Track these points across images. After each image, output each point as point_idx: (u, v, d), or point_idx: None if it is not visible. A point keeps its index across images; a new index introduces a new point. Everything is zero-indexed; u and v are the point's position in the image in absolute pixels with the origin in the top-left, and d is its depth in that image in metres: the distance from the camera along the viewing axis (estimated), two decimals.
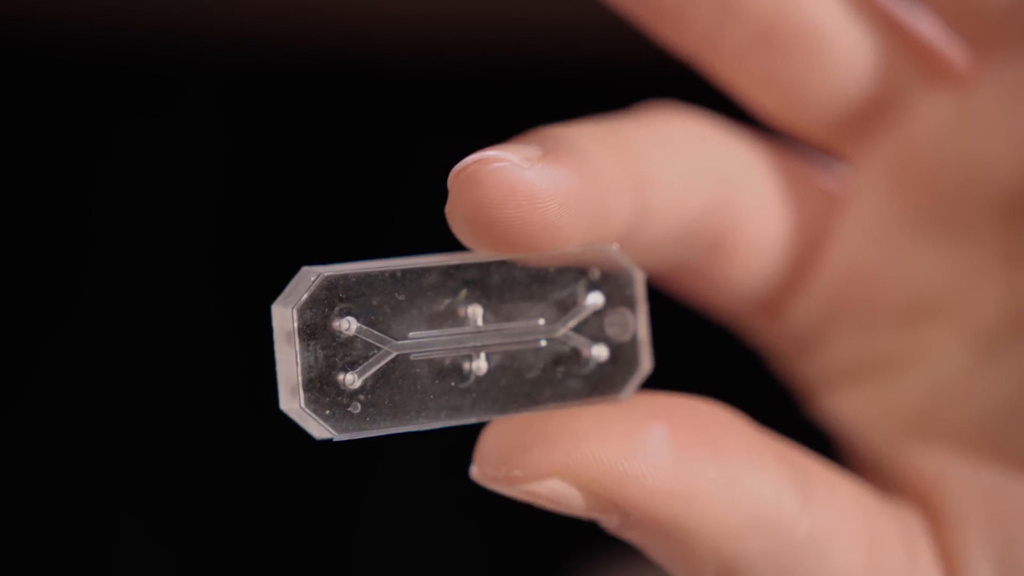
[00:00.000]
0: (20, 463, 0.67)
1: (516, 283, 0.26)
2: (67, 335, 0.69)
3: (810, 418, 0.33)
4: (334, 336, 0.25)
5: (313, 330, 0.25)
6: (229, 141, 0.71)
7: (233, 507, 0.69)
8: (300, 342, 0.25)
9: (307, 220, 0.69)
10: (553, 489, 0.25)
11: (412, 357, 0.25)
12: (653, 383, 0.27)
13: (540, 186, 0.25)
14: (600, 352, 0.27)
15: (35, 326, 0.68)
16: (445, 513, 0.68)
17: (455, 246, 0.26)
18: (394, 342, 0.25)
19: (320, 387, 0.25)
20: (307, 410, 0.25)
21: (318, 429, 0.25)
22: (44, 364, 0.68)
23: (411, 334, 0.25)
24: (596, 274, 0.27)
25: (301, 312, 0.25)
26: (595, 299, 0.26)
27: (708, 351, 0.51)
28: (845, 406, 0.32)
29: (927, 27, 0.30)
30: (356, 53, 0.71)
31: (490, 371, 0.26)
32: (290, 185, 0.71)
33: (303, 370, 0.25)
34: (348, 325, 0.25)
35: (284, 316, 0.25)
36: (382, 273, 0.25)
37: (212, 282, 0.69)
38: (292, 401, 0.25)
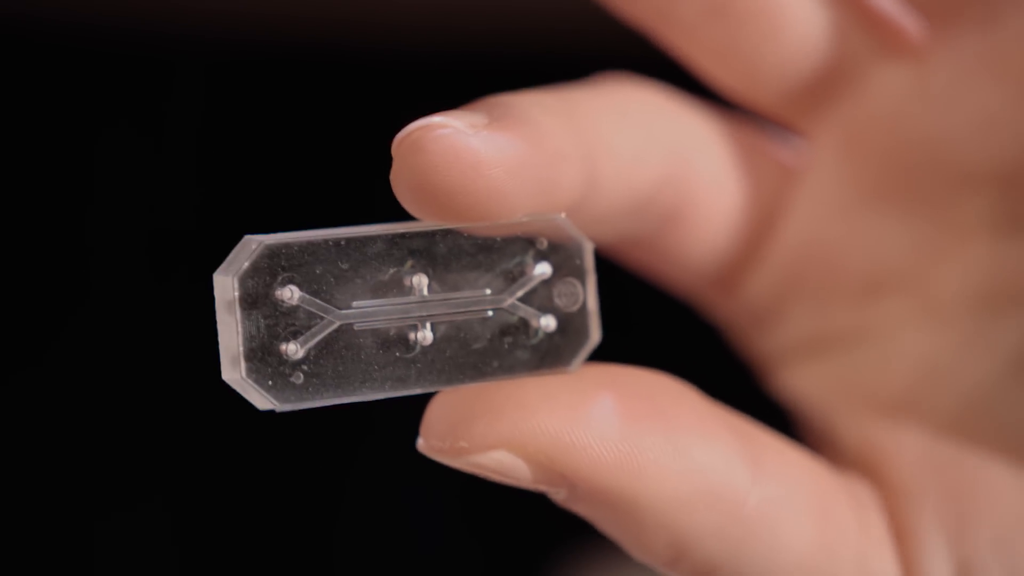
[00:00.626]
0: (14, 457, 0.67)
1: (463, 252, 0.26)
2: (54, 329, 0.68)
3: (767, 392, 0.33)
4: (276, 305, 0.24)
5: (255, 299, 0.24)
6: (217, 130, 0.71)
7: (224, 501, 0.69)
8: (241, 311, 0.24)
9: (293, 208, 0.69)
10: (500, 460, 0.25)
11: (356, 327, 0.25)
12: (604, 356, 0.27)
13: (485, 153, 0.24)
14: (548, 322, 0.26)
15: (26, 320, 0.68)
16: (430, 507, 0.68)
17: (403, 214, 0.26)
18: (338, 311, 0.25)
19: (262, 357, 0.24)
20: (248, 380, 0.24)
21: (260, 399, 0.24)
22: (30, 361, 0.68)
23: (355, 303, 0.25)
24: (544, 244, 0.26)
25: (242, 281, 0.24)
26: (543, 269, 0.26)
27: (662, 324, 0.51)
28: (801, 380, 0.32)
29: None
30: (347, 42, 0.71)
31: (436, 341, 0.26)
32: (278, 174, 0.70)
33: (244, 340, 0.24)
34: (291, 294, 0.24)
35: (225, 285, 0.24)
36: (326, 241, 0.25)
37: (195, 272, 0.69)
38: (233, 371, 0.24)
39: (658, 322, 0.51)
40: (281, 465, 0.68)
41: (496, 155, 0.24)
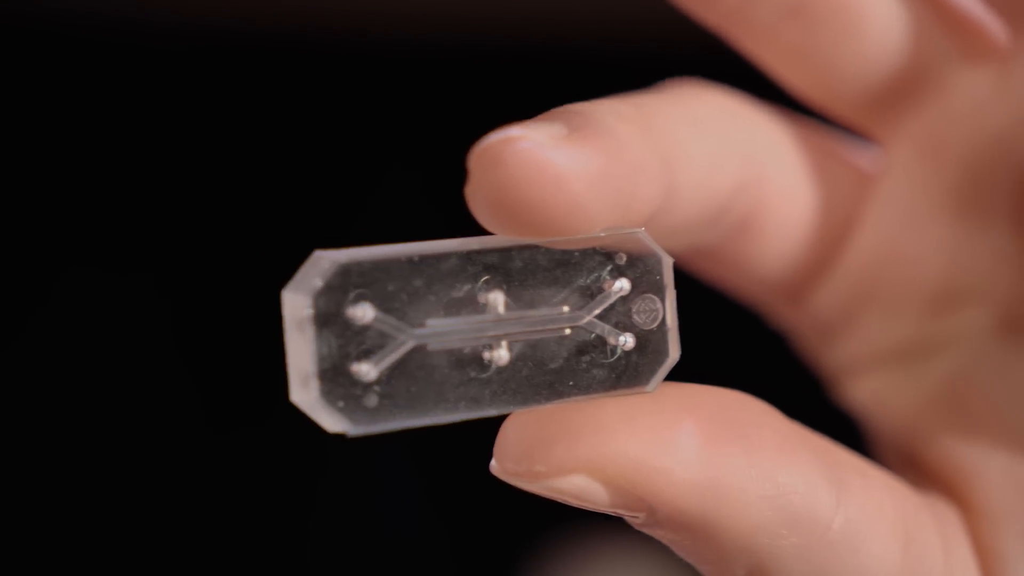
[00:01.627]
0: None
1: (539, 268, 0.25)
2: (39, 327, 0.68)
3: (839, 405, 0.32)
4: (349, 324, 0.23)
5: (327, 318, 0.23)
6: (219, 119, 0.70)
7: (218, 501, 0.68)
8: (314, 330, 0.23)
9: (311, 203, 0.69)
10: (578, 485, 0.24)
11: (430, 346, 0.24)
12: (680, 371, 0.26)
13: (567, 166, 0.23)
14: (626, 340, 0.25)
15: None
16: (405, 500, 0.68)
17: (472, 230, 0.25)
18: (411, 331, 0.24)
19: (334, 377, 0.23)
20: (321, 401, 0.23)
21: (331, 422, 0.23)
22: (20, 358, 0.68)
23: (429, 322, 0.24)
24: (622, 259, 0.25)
25: (316, 299, 0.23)
26: (621, 285, 0.25)
27: (734, 335, 0.50)
28: (872, 393, 0.31)
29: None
30: (359, 33, 0.70)
31: (511, 361, 0.25)
32: (293, 166, 0.70)
33: (317, 360, 0.23)
34: (364, 313, 0.24)
35: (297, 303, 0.23)
36: (399, 258, 0.24)
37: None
38: (304, 392, 0.23)
39: (727, 333, 0.50)
40: (255, 462, 0.68)
41: (578, 168, 0.23)
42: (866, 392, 0.31)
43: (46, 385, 0.68)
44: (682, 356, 0.27)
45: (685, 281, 0.31)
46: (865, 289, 0.30)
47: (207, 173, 0.70)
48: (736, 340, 0.52)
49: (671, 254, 0.26)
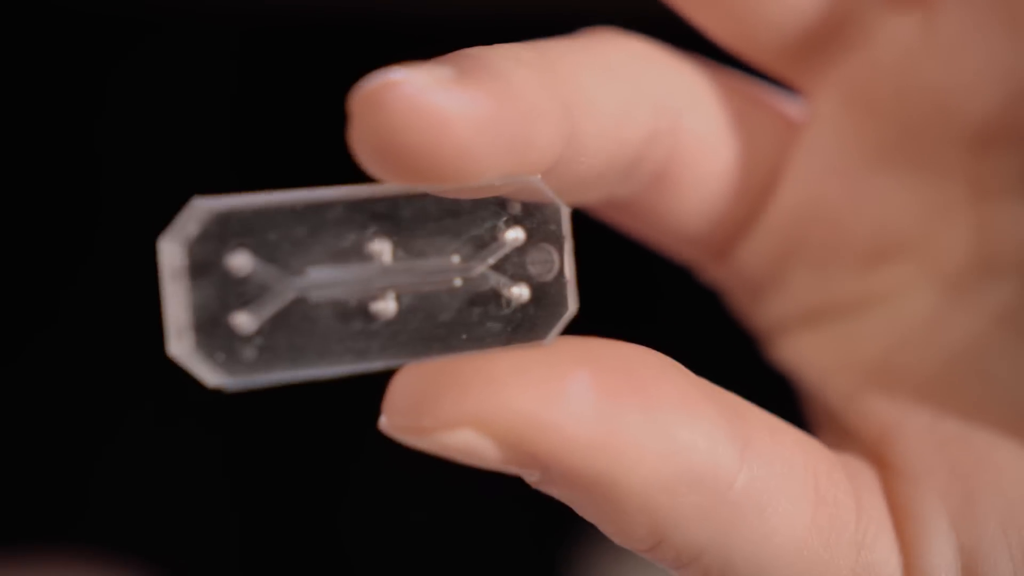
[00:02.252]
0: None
1: (429, 217, 0.24)
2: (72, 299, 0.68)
3: (772, 363, 0.31)
4: (227, 274, 0.23)
5: (204, 267, 0.23)
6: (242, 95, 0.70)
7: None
8: (190, 280, 0.23)
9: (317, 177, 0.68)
10: (465, 440, 0.23)
11: (313, 297, 0.23)
12: (592, 330, 0.25)
13: (452, 110, 0.22)
14: (521, 292, 0.25)
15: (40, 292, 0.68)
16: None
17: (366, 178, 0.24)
18: (293, 281, 0.23)
19: (212, 329, 0.23)
20: (197, 354, 0.23)
21: (209, 375, 0.23)
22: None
23: (312, 272, 0.23)
24: (517, 208, 0.24)
25: (191, 248, 0.23)
26: (516, 234, 0.24)
27: (658, 290, 0.49)
28: (802, 352, 0.30)
29: None
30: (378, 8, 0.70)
31: (400, 313, 0.24)
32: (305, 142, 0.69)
33: (193, 310, 0.23)
34: (243, 262, 0.23)
35: (173, 252, 0.23)
36: (281, 206, 0.23)
37: None
38: (180, 344, 0.23)
39: (654, 286, 0.50)
40: (285, 454, 0.68)
41: (464, 112, 0.23)
42: (794, 350, 0.30)
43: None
44: (607, 313, 0.26)
45: (615, 236, 0.31)
46: (792, 244, 0.29)
47: None
48: (666, 295, 0.51)
49: (581, 206, 0.25)
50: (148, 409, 0.67)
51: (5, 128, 0.68)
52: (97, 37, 0.69)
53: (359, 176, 0.23)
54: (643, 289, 0.52)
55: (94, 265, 0.68)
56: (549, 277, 0.25)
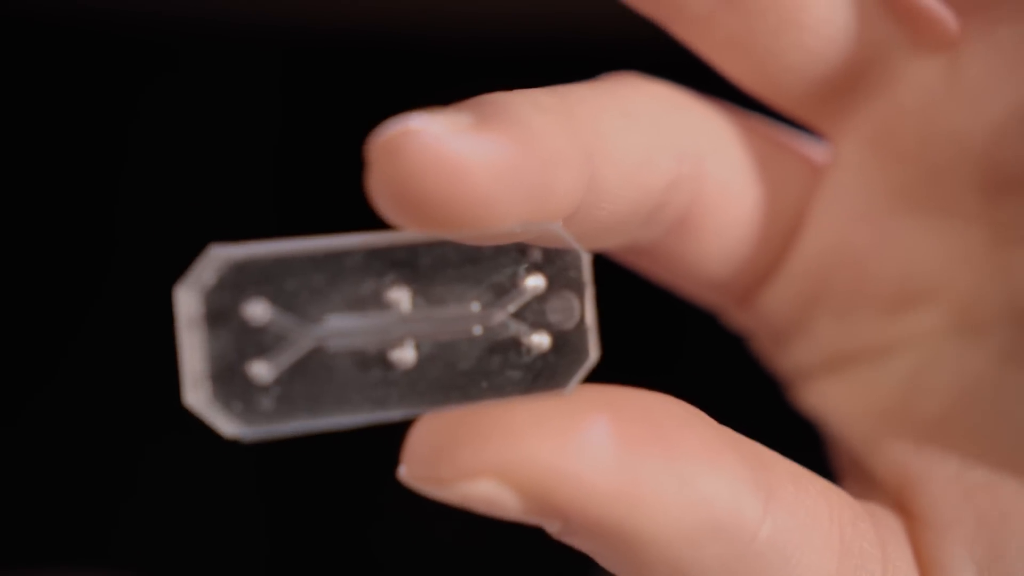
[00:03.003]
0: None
1: (449, 264, 0.24)
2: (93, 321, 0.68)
3: (797, 409, 0.31)
4: (245, 323, 0.23)
5: (221, 316, 0.23)
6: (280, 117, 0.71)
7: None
8: (207, 329, 0.22)
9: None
10: (486, 491, 0.23)
11: (332, 346, 0.23)
12: (614, 377, 0.25)
13: (469, 157, 0.22)
14: (541, 340, 0.24)
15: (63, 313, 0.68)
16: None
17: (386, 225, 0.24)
18: (312, 329, 0.23)
19: (229, 379, 0.23)
20: (214, 404, 0.22)
21: (225, 424, 0.23)
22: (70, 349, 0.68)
23: (330, 321, 0.23)
24: (538, 254, 0.24)
25: (208, 296, 0.22)
26: (536, 282, 0.24)
27: (682, 336, 0.49)
28: (826, 398, 0.29)
29: None
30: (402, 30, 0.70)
31: (419, 361, 0.24)
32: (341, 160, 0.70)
33: (210, 360, 0.22)
34: (261, 311, 0.23)
35: (189, 301, 0.23)
36: (299, 254, 0.23)
37: None
38: (197, 394, 0.23)
39: (679, 333, 0.49)
40: (317, 474, 0.68)
41: (481, 160, 0.22)
42: (819, 397, 0.30)
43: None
44: (629, 359, 0.26)
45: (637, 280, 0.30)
46: (816, 290, 0.29)
47: None
48: (691, 341, 0.51)
49: (604, 252, 0.25)
50: (179, 431, 0.68)
51: (41, 151, 0.68)
52: (131, 59, 0.70)
53: (382, 215, 0.23)
54: (667, 334, 0.52)
55: (128, 286, 0.68)
56: (570, 325, 0.24)
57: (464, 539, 0.68)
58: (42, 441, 0.68)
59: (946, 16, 0.28)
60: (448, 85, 0.70)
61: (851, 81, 0.28)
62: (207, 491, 0.68)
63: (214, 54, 0.71)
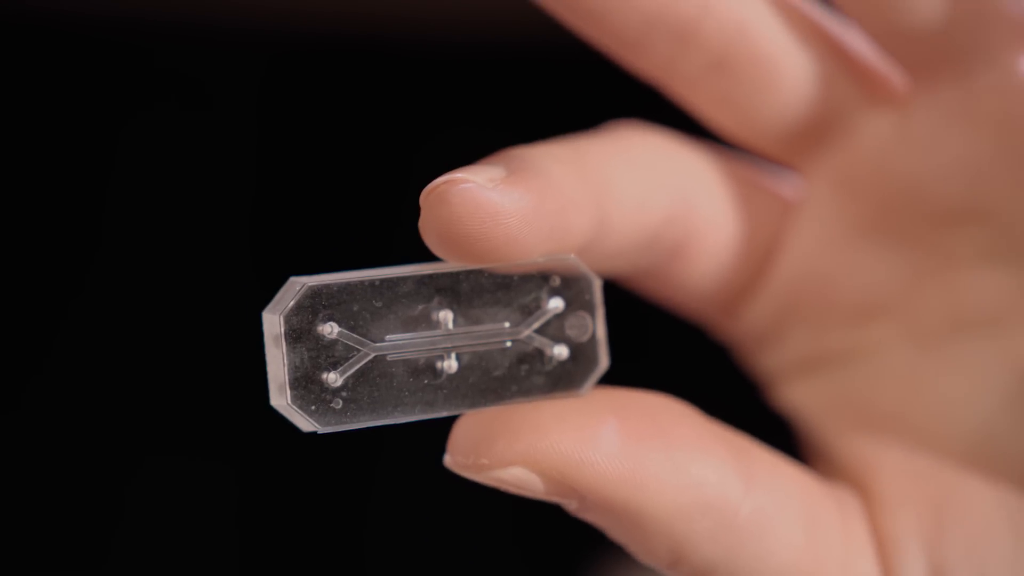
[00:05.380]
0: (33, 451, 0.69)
1: (484, 290, 0.29)
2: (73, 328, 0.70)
3: (771, 406, 0.36)
4: (318, 339, 0.28)
5: (299, 334, 0.28)
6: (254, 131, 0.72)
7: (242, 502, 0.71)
8: (287, 345, 0.27)
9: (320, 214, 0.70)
10: (517, 475, 0.28)
11: (389, 357, 0.28)
12: (622, 380, 0.30)
13: (502, 204, 0.27)
14: (561, 351, 0.29)
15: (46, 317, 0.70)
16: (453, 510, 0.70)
17: (431, 256, 0.29)
18: (372, 344, 0.28)
19: (305, 385, 0.28)
20: (294, 406, 0.27)
21: (304, 423, 0.28)
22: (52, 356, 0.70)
23: (388, 337, 0.28)
24: (557, 281, 0.29)
25: (288, 318, 0.27)
26: (556, 303, 0.29)
27: (678, 346, 0.53)
28: (797, 396, 0.34)
29: (868, 49, 0.33)
30: (377, 36, 0.72)
31: (460, 369, 0.29)
32: (315, 176, 0.72)
33: (290, 370, 0.27)
34: (331, 329, 0.28)
35: (273, 322, 0.28)
36: (362, 282, 0.28)
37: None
38: (280, 398, 0.28)
39: (674, 343, 0.54)
40: (308, 467, 0.71)
41: (511, 206, 0.27)
42: (792, 395, 0.35)
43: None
44: (626, 368, 0.31)
45: (632, 300, 0.35)
46: (791, 305, 0.34)
47: None
48: (681, 351, 0.55)
49: (610, 276, 0.30)
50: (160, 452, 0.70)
51: (19, 155, 0.69)
52: (116, 63, 0.70)
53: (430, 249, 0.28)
54: (665, 345, 0.56)
55: (117, 303, 0.70)
56: (584, 338, 0.29)
57: (448, 550, 0.71)
58: (29, 459, 0.68)
59: (897, 77, 0.33)
60: (430, 88, 0.72)
61: (817, 132, 0.33)
62: (187, 510, 0.69)
63: (196, 58, 0.72)
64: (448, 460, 0.29)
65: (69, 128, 0.70)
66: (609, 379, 0.30)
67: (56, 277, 0.70)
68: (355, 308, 0.28)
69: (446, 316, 0.29)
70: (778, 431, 0.35)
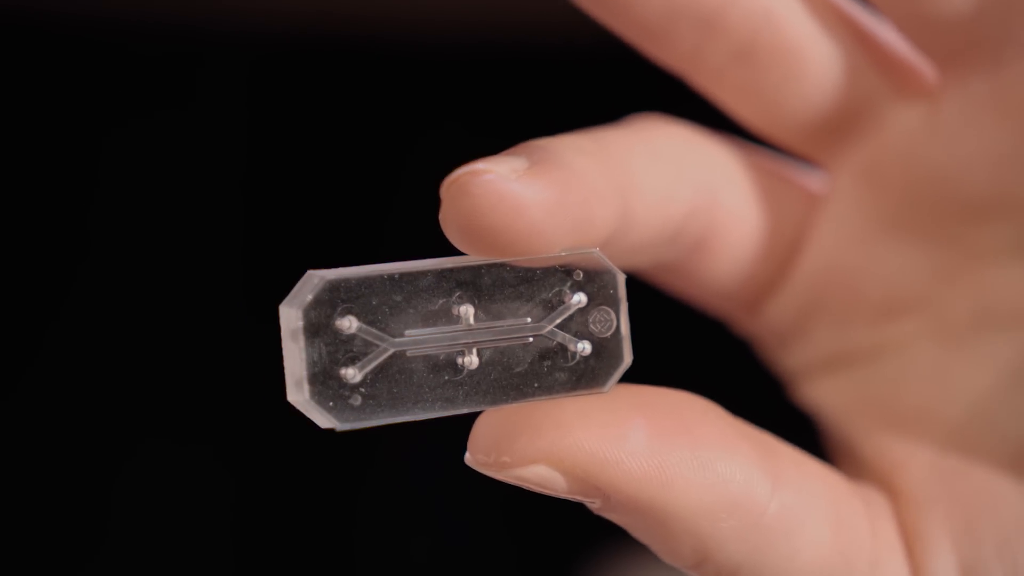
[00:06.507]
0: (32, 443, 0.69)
1: (505, 284, 0.28)
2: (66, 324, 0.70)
3: (796, 404, 0.35)
4: (336, 334, 0.27)
5: (317, 329, 0.27)
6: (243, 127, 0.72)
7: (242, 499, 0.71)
8: (305, 340, 0.27)
9: (325, 209, 0.70)
10: (539, 473, 0.28)
11: (409, 353, 0.28)
12: (645, 376, 0.30)
13: (525, 196, 0.27)
14: (584, 347, 0.29)
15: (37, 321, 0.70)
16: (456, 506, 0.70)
17: (450, 249, 0.28)
18: (392, 339, 0.27)
19: (323, 381, 0.27)
20: (312, 402, 0.27)
21: (322, 419, 0.27)
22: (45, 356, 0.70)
23: (408, 332, 0.28)
24: (580, 275, 0.29)
25: (306, 312, 0.27)
26: (579, 298, 0.29)
27: (700, 342, 0.53)
28: (822, 394, 0.34)
29: (897, 41, 0.32)
30: (370, 35, 0.72)
31: (481, 365, 0.28)
32: (308, 174, 0.72)
33: (308, 365, 0.27)
34: (349, 324, 0.27)
35: (291, 316, 0.27)
36: (381, 276, 0.27)
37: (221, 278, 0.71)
38: (298, 394, 0.27)
39: (697, 339, 0.53)
40: (302, 460, 0.70)
41: (535, 198, 0.27)
42: (816, 393, 0.34)
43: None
44: (649, 364, 0.30)
45: (655, 295, 0.35)
46: (815, 301, 0.33)
47: None
48: (704, 349, 0.55)
49: (632, 270, 0.30)
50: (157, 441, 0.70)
51: (21, 134, 0.70)
52: (104, 64, 0.71)
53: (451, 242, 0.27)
54: (687, 340, 0.56)
55: (114, 296, 0.70)
56: (607, 334, 0.29)
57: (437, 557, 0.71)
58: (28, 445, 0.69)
59: (927, 68, 0.32)
60: (421, 87, 0.72)
61: (844, 124, 0.33)
62: (179, 506, 0.69)
63: (185, 57, 0.72)
64: (469, 458, 0.28)
65: (57, 128, 0.71)
66: (631, 375, 0.29)
67: (49, 271, 0.70)
68: (374, 302, 0.27)
69: (467, 311, 0.28)
70: (802, 429, 0.34)
